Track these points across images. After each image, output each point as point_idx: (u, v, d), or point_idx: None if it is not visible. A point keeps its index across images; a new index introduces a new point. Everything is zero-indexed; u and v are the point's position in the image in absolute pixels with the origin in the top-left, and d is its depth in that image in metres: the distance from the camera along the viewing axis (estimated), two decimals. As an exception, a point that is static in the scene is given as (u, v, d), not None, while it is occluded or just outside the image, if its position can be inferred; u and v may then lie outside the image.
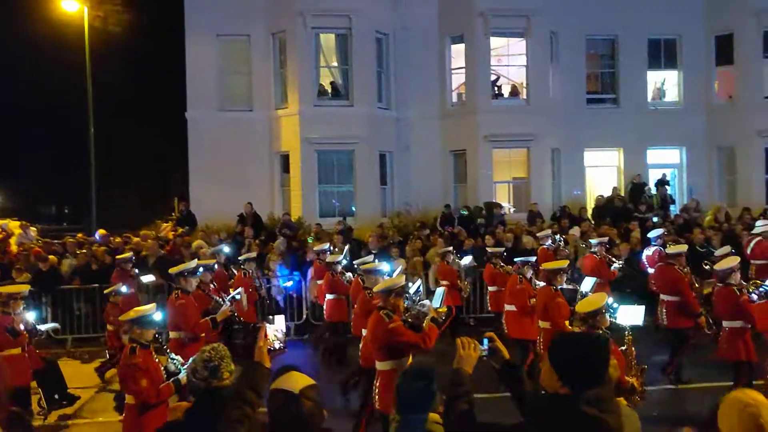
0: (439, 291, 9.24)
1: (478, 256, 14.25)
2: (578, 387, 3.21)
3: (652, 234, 13.99)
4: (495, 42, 21.71)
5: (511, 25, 21.21)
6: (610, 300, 6.87)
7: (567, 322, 8.65)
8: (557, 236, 14.30)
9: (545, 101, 21.24)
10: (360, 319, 9.35)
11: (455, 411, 3.51)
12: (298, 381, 3.39)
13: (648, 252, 13.53)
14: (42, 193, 41.15)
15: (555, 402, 3.28)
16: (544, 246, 13.67)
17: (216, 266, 11.75)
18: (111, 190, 33.02)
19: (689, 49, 22.45)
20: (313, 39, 20.69)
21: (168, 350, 6.77)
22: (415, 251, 15.41)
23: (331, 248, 13.77)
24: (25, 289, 9.09)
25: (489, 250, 13.31)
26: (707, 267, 11.69)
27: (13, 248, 17.20)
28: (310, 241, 16.63)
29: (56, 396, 9.60)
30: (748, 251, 13.21)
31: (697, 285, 10.91)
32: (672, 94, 23.29)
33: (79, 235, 19.72)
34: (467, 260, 13.48)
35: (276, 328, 4.25)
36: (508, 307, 10.82)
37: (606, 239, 13.74)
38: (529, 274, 10.67)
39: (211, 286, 10.56)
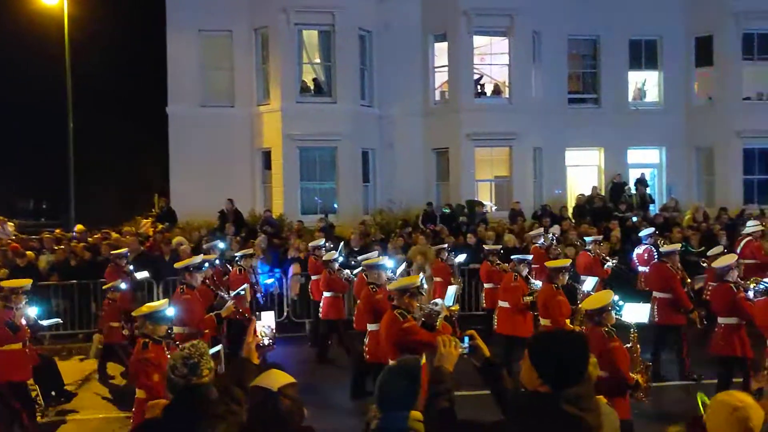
0: (451, 289, 9.28)
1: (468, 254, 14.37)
2: (558, 385, 3.22)
3: (642, 233, 14.21)
4: (478, 41, 21.77)
5: (494, 24, 21.28)
6: (616, 297, 6.97)
7: (568, 321, 8.72)
8: (549, 235, 14.41)
9: (527, 100, 21.32)
10: (363, 314, 9.34)
11: (436, 408, 3.51)
12: (277, 378, 3.37)
13: (638, 250, 13.74)
14: (19, 188, 40.60)
15: (535, 400, 3.28)
16: (536, 244, 13.77)
17: (217, 262, 11.77)
18: (90, 185, 32.63)
19: (669, 50, 22.64)
20: (296, 35, 20.60)
21: (180, 346, 6.75)
22: (397, 249, 15.41)
23: (327, 245, 13.73)
24: (28, 283, 8.97)
25: (486, 247, 13.39)
26: (704, 264, 11.95)
27: (-10, 244, 16.95)
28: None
29: (53, 393, 9.54)
30: (738, 250, 13.39)
31: (689, 280, 11.19)
32: (652, 95, 23.49)
33: (58, 230, 19.49)
34: (461, 258, 13.56)
35: (264, 324, 4.23)
36: (501, 304, 10.92)
37: (600, 237, 13.93)
38: (525, 272, 10.77)
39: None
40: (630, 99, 23.11)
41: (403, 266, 12.59)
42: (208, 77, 21.53)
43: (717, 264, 9.25)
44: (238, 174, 20.69)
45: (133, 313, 7.14)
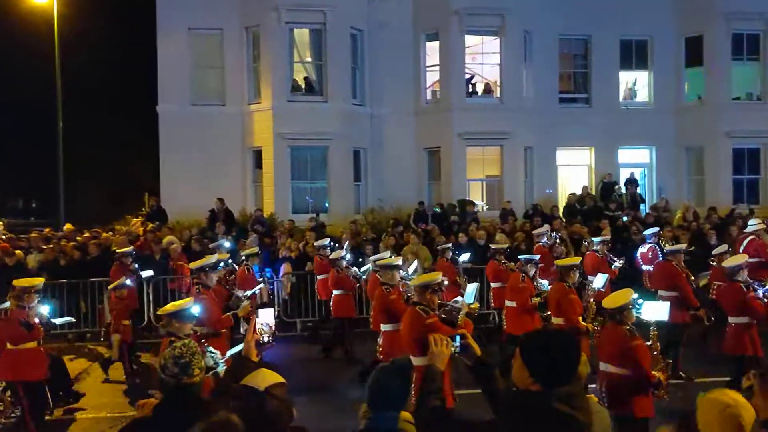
0: (471, 287, 9.30)
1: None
2: (549, 384, 3.22)
3: (646, 232, 14.34)
4: (469, 40, 21.81)
5: (486, 23, 21.32)
6: (635, 295, 7.04)
7: (580, 318, 8.74)
8: (553, 234, 14.46)
9: (518, 100, 21.37)
10: (378, 314, 9.34)
11: (427, 407, 3.51)
12: (265, 378, 3.36)
13: (642, 249, 13.83)
14: (9, 187, 40.34)
15: (526, 399, 3.29)
16: (540, 243, 13.82)
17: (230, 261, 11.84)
18: (80, 184, 32.47)
19: (660, 50, 22.74)
20: (287, 34, 20.55)
21: (206, 344, 6.74)
22: (388, 248, 15.40)
23: (332, 244, 13.78)
24: (40, 282, 8.95)
25: (493, 247, 13.41)
26: (713, 262, 12.05)
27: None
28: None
29: (61, 392, 9.52)
30: (741, 249, 13.47)
31: (692, 278, 11.31)
32: (643, 95, 23.58)
33: (47, 229, 19.39)
34: (465, 257, 13.59)
35: (263, 322, 4.21)
36: (508, 303, 10.96)
37: (608, 238, 13.99)
38: (532, 272, 10.78)
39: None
40: (621, 99, 23.19)
41: (415, 264, 12.61)
42: (199, 76, 21.45)
43: (727, 263, 9.37)
44: (229, 173, 20.62)
45: (159, 311, 7.15)
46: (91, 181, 35.84)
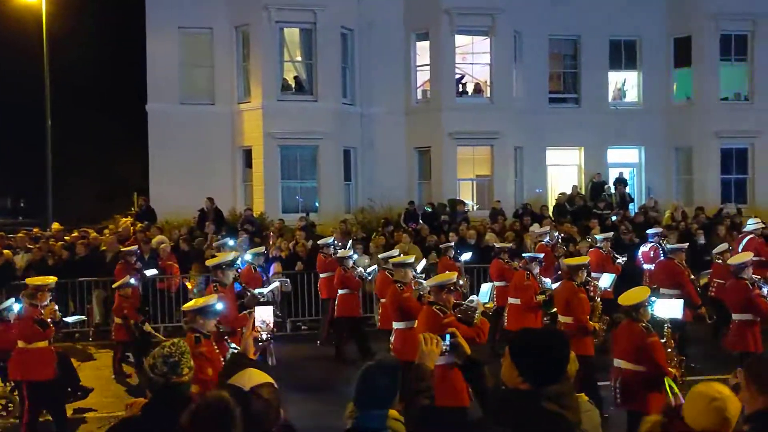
0: (486, 287, 9.29)
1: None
2: (538, 383, 3.23)
3: (650, 231, 14.46)
4: (460, 40, 21.82)
5: (476, 23, 21.35)
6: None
7: (588, 317, 8.79)
8: (555, 233, 14.53)
9: (509, 100, 21.42)
10: (391, 312, 9.33)
11: (417, 406, 3.51)
12: (251, 378, 3.34)
13: (644, 248, 13.91)
14: (-3, 187, 40.15)
15: (515, 397, 3.30)
16: (542, 242, 13.87)
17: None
18: (68, 183, 32.25)
19: (649, 50, 22.84)
20: (277, 33, 20.51)
21: (229, 340, 6.73)
22: (378, 247, 15.40)
23: (336, 243, 13.77)
24: (52, 280, 8.95)
25: (496, 245, 13.48)
26: (719, 260, 12.17)
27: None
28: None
29: (69, 389, 9.48)
30: (740, 248, 13.58)
31: (692, 277, 11.43)
32: (632, 95, 23.69)
33: (35, 229, 19.28)
34: (467, 256, 13.61)
35: (261, 319, 4.19)
36: (512, 301, 11.00)
37: (611, 234, 14.10)
38: (536, 270, 10.85)
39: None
40: (610, 99, 23.28)
41: (423, 262, 12.63)
42: (188, 75, 21.37)
43: (733, 261, 9.51)
44: (219, 172, 20.55)
45: (184, 308, 7.14)
46: (80, 181, 35.63)
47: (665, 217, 18.86)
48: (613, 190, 20.85)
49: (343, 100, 21.23)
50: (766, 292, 8.90)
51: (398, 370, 3.58)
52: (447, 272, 8.39)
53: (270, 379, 3.40)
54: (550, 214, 19.07)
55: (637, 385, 6.51)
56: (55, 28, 24.30)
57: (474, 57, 22.78)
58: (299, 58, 21.41)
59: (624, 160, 23.31)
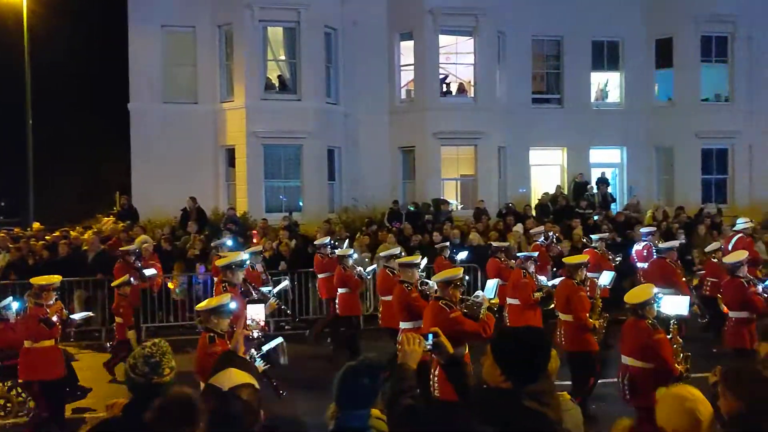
0: (492, 283, 9.30)
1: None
2: (520, 381, 3.25)
3: (643, 230, 14.64)
4: (443, 40, 21.85)
5: (460, 23, 21.39)
6: (655, 290, 7.26)
7: (587, 315, 8.85)
8: (550, 233, 14.61)
9: (492, 100, 21.50)
10: (397, 312, 9.31)
11: (399, 406, 3.51)
12: (231, 378, 3.32)
13: (638, 247, 14.03)
14: (-24, 186, 39.61)
15: (497, 396, 3.31)
16: (537, 242, 13.96)
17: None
18: (50, 182, 31.94)
19: (631, 51, 23.02)
20: (261, 32, 20.43)
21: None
22: (362, 247, 15.40)
23: (333, 242, 13.75)
24: (58, 279, 8.89)
25: (493, 244, 13.54)
26: (714, 259, 12.30)
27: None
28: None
29: (67, 389, 9.40)
30: (730, 247, 13.72)
31: (685, 278, 11.64)
32: (614, 95, 23.86)
33: (16, 229, 19.09)
34: (463, 255, 13.65)
35: (252, 317, 4.17)
36: (510, 301, 11.06)
37: (607, 235, 14.27)
38: (532, 268, 10.92)
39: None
40: (592, 99, 23.44)
41: (424, 261, 12.65)
42: (171, 73, 21.23)
43: (728, 259, 9.63)
44: (202, 171, 20.45)
45: (197, 307, 7.11)
46: (62, 180, 35.28)
47: (647, 216, 19.01)
48: (595, 190, 20.99)
49: (327, 99, 21.19)
50: (761, 290, 9.01)
51: (380, 369, 3.58)
52: (454, 268, 8.43)
53: (251, 380, 3.38)
54: (533, 213, 19.17)
55: (645, 381, 6.58)
56: (36, 25, 24.08)
57: (458, 57, 22.83)
58: (283, 57, 21.34)
59: (606, 160, 23.47)
